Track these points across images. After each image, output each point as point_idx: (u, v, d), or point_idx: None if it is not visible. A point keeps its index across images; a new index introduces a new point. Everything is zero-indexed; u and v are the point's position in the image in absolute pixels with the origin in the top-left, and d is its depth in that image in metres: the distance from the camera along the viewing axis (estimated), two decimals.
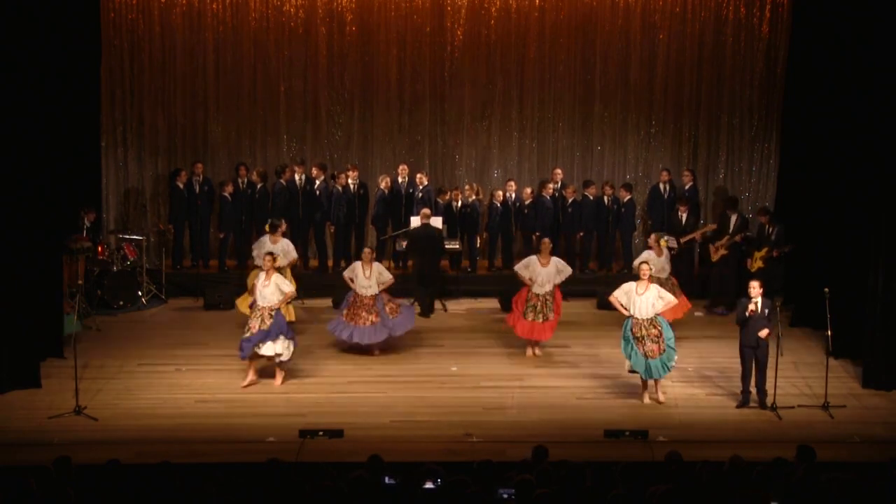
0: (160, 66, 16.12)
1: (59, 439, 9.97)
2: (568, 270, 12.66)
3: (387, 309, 12.52)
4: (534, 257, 12.60)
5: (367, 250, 12.68)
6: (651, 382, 11.20)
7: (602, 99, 16.51)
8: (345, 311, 12.54)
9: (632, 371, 11.19)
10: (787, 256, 14.26)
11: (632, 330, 11.07)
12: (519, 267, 12.69)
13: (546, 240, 12.84)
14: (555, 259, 12.59)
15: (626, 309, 11.17)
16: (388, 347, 12.79)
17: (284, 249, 13.11)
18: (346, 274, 12.69)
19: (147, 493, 7.31)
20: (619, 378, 11.87)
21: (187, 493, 7.28)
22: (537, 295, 12.39)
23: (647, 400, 11.19)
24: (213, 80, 16.29)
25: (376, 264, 12.65)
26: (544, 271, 12.41)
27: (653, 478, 7.43)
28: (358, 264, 12.59)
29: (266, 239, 13.31)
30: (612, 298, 11.43)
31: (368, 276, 12.44)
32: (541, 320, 12.40)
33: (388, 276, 12.65)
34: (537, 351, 12.66)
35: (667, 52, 16.33)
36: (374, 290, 12.45)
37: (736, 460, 7.83)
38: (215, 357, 12.43)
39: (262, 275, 11.61)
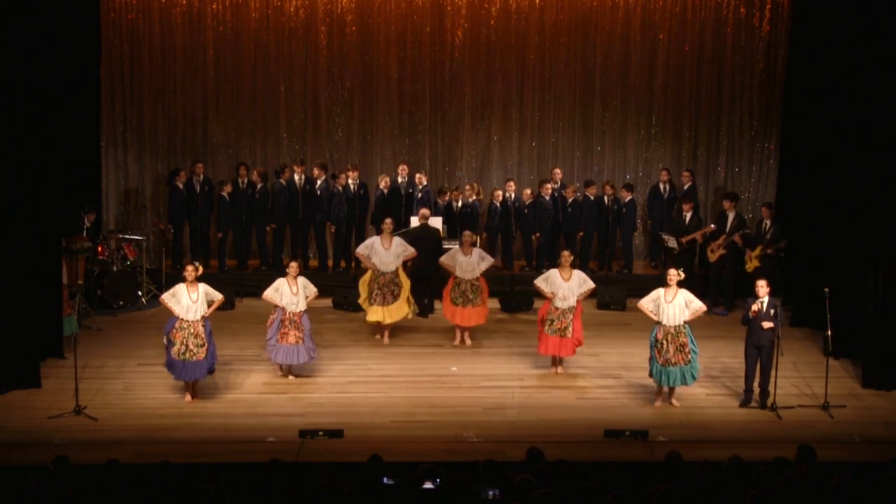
0: (160, 66, 16.13)
1: (59, 439, 9.97)
2: (590, 284, 11.88)
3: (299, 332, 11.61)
4: (554, 270, 11.91)
5: (293, 265, 11.69)
6: (666, 388, 11.12)
7: (602, 99, 16.51)
8: (278, 332, 11.57)
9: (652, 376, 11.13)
10: (781, 252, 14.25)
11: (656, 336, 10.95)
12: (539, 280, 12.00)
13: (566, 252, 12.07)
14: (577, 272, 11.88)
15: (655, 316, 10.96)
16: (390, 347, 12.79)
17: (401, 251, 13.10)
18: (269, 293, 11.65)
19: (147, 493, 7.31)
20: (619, 378, 11.89)
21: (187, 493, 7.28)
22: (557, 309, 11.74)
23: (658, 403, 11.14)
24: (213, 80, 16.29)
25: (301, 278, 11.68)
26: (566, 285, 11.73)
27: (653, 478, 7.43)
28: (283, 280, 11.63)
29: (377, 241, 13.05)
30: (640, 306, 11.16)
31: (296, 293, 11.57)
32: (561, 336, 11.76)
33: (312, 289, 11.74)
34: (559, 369, 12.06)
35: (667, 52, 16.34)
36: (302, 305, 11.58)
37: (736, 460, 7.83)
38: None
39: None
